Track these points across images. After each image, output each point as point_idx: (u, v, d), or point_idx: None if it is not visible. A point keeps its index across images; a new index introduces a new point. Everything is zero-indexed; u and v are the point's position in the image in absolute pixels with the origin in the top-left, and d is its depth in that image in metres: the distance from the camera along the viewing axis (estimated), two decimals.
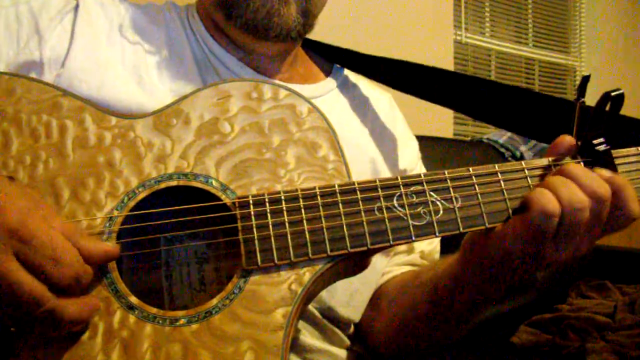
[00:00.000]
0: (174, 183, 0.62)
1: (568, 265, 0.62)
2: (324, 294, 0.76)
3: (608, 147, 0.64)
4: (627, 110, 0.66)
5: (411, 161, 0.95)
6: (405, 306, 0.81)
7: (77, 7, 0.79)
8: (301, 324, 0.78)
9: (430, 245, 0.93)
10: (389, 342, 0.85)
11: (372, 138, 0.90)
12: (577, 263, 0.62)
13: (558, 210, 0.58)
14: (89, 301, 0.55)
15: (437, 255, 0.95)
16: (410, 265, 0.91)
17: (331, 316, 0.81)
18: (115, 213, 0.60)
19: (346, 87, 0.94)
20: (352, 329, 0.87)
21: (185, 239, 0.66)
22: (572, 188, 0.59)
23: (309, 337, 0.79)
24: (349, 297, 0.82)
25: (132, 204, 0.61)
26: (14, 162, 0.60)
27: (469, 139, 2.58)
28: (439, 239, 0.95)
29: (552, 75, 3.46)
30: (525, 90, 0.85)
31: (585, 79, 0.63)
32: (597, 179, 0.60)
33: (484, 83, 0.88)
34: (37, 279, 0.50)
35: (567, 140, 0.65)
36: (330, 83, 0.92)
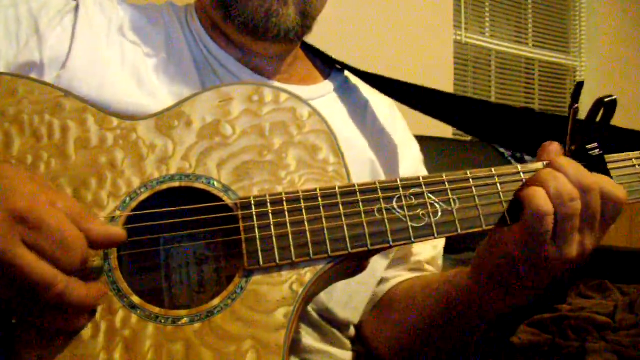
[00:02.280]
0: (176, 184, 0.63)
1: (576, 265, 0.62)
2: (322, 295, 0.76)
3: (601, 152, 0.65)
4: (628, 110, 0.66)
5: (412, 164, 0.94)
6: (416, 314, 0.80)
7: (77, 7, 0.79)
8: (300, 326, 0.78)
9: (435, 251, 0.93)
10: (397, 348, 0.84)
11: (371, 140, 0.90)
12: (584, 262, 0.63)
13: (551, 209, 0.59)
14: (94, 285, 0.55)
15: (440, 261, 0.95)
16: (417, 271, 0.91)
17: (330, 317, 0.81)
18: (118, 213, 0.60)
19: (345, 90, 0.94)
20: (352, 330, 0.87)
21: (186, 240, 0.66)
22: (561, 179, 0.60)
23: (308, 338, 0.79)
24: (348, 298, 0.82)
25: (134, 204, 0.61)
26: (15, 162, 0.61)
27: (469, 138, 2.58)
28: (442, 244, 0.95)
29: (552, 75, 3.46)
30: (520, 110, 0.86)
31: (579, 86, 0.65)
32: (583, 170, 0.61)
33: (482, 104, 0.90)
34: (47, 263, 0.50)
35: (555, 146, 0.65)
36: (328, 85, 0.92)
